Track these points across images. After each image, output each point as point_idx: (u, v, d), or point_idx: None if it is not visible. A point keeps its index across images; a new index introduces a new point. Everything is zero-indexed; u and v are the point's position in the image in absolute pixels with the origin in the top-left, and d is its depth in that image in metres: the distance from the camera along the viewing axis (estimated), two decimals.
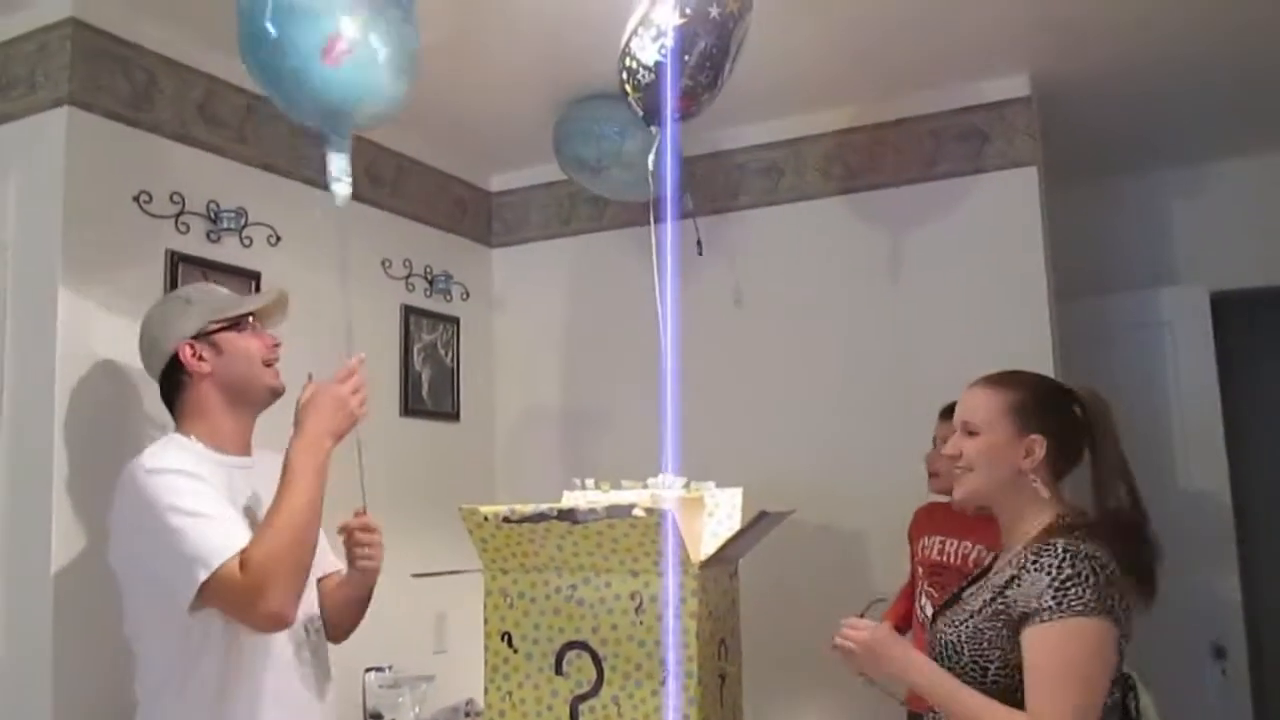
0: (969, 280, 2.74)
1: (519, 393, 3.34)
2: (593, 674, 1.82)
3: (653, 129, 2.42)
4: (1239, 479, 3.29)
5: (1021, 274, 2.70)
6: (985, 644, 1.60)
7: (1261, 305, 3.75)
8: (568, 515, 1.76)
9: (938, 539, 2.33)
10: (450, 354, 3.16)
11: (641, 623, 1.80)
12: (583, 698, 1.83)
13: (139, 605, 1.68)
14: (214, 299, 1.84)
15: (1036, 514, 1.70)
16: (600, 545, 1.78)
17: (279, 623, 1.62)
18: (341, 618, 1.92)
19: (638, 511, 1.68)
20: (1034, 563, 1.60)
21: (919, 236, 2.82)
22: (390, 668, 2.44)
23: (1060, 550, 1.59)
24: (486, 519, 1.79)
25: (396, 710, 2.40)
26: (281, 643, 1.72)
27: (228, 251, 2.39)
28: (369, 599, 1.93)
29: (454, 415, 3.17)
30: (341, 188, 1.85)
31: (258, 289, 2.42)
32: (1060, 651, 1.53)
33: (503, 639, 1.90)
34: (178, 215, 2.28)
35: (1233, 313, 3.49)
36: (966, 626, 1.64)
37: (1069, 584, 1.55)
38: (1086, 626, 1.53)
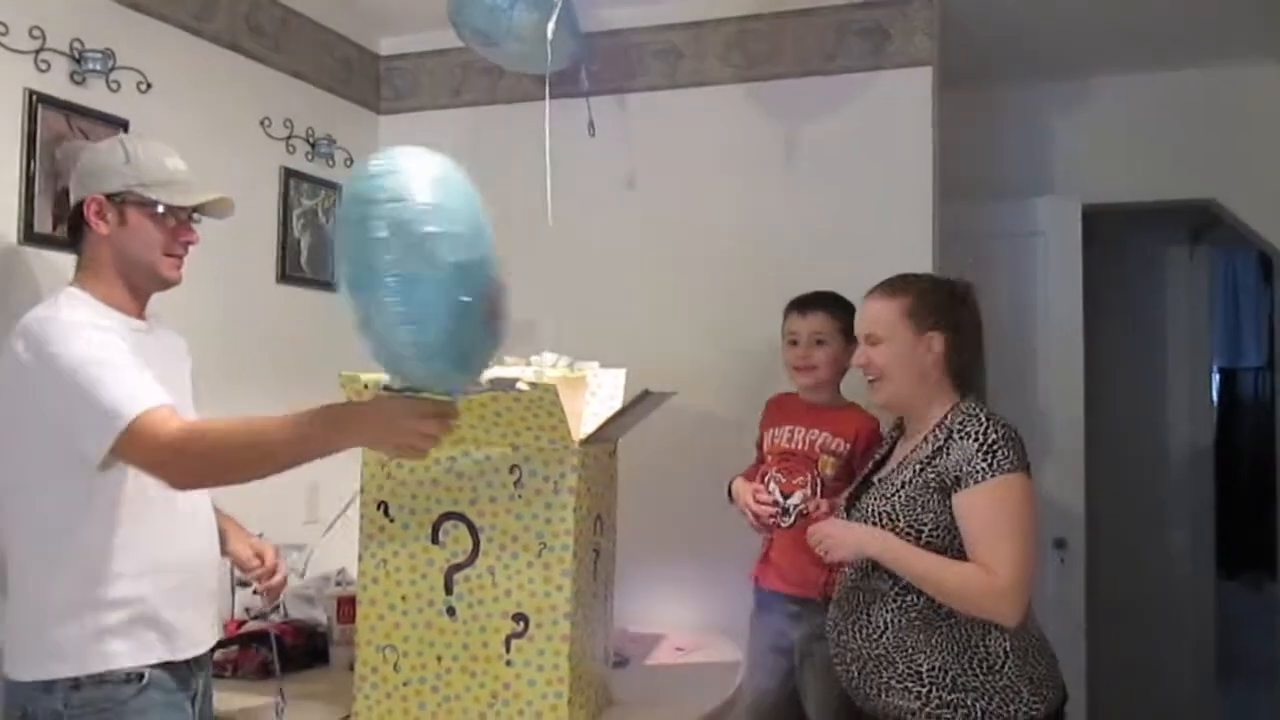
0: (859, 176, 2.77)
1: None
2: (469, 544, 1.84)
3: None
4: (1092, 385, 3.47)
5: (909, 174, 2.74)
6: (919, 509, 1.77)
7: (1129, 219, 3.92)
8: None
9: (787, 428, 2.41)
10: (331, 221, 3.06)
11: (520, 496, 1.82)
12: (458, 567, 1.85)
13: (27, 457, 1.61)
14: (153, 170, 1.73)
15: (941, 402, 1.88)
16: (482, 418, 1.78)
17: (174, 489, 1.60)
18: None
19: (521, 385, 1.68)
20: (960, 432, 1.79)
21: (813, 129, 2.83)
22: (261, 536, 2.40)
23: (984, 418, 1.79)
24: (366, 387, 1.77)
25: None
26: (177, 503, 1.70)
27: (94, 95, 2.23)
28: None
29: (332, 284, 3.07)
30: None
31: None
32: (997, 506, 1.72)
33: (379, 508, 1.90)
34: (37, 52, 2.11)
35: (1102, 225, 3.62)
36: (899, 496, 1.80)
37: (995, 447, 1.75)
38: (1016, 481, 1.74)
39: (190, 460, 1.55)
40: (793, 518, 2.29)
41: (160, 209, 1.73)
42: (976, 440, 1.75)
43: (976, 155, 3.42)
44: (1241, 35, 3.12)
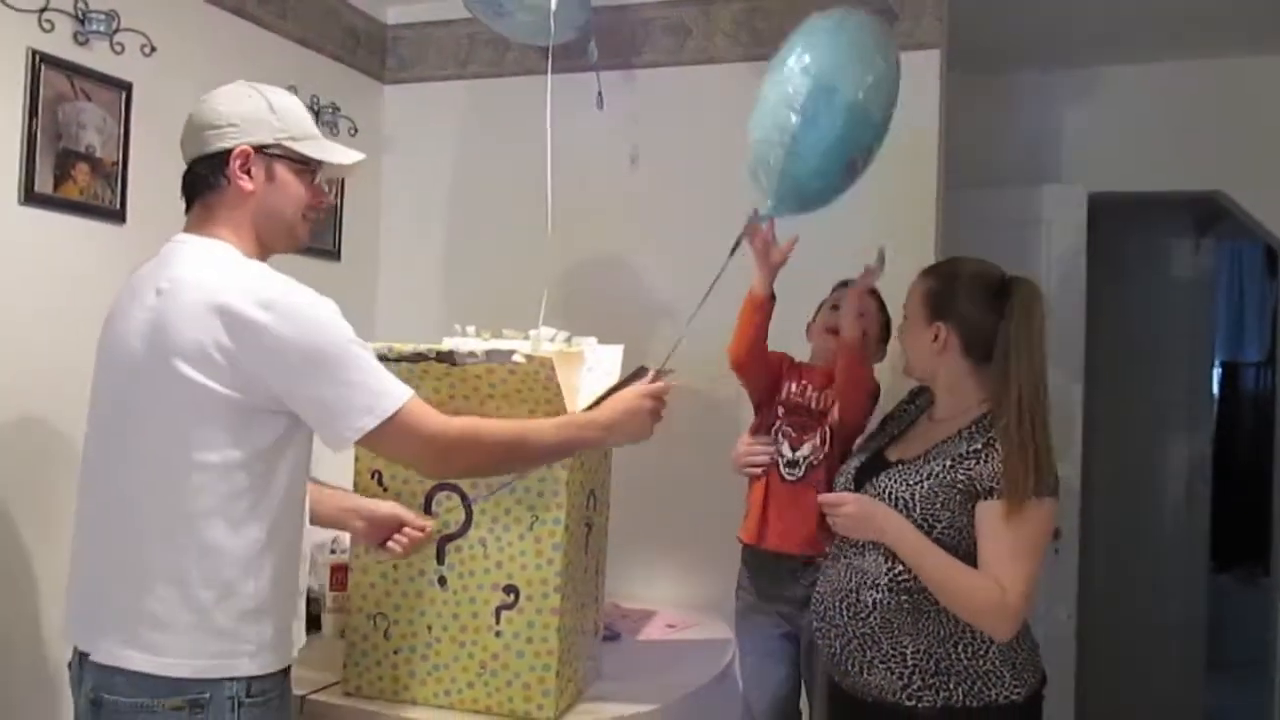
0: None
1: (404, 235, 3.26)
2: (461, 516, 1.85)
3: None
4: (1091, 375, 3.47)
5: (915, 158, 2.72)
6: (938, 505, 1.76)
7: (1134, 210, 3.90)
8: (446, 357, 1.76)
9: (805, 384, 2.37)
10: (334, 190, 3.05)
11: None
12: (450, 538, 1.86)
13: (256, 434, 1.47)
14: (298, 121, 1.59)
15: (974, 396, 1.88)
16: (477, 389, 1.78)
17: (429, 477, 1.82)
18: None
19: (517, 357, 1.69)
20: (1000, 443, 1.77)
21: None
22: None
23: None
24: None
25: None
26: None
27: (97, 57, 2.23)
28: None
29: (335, 254, 3.08)
30: None
31: (128, 101, 2.28)
32: (1023, 527, 1.71)
33: (373, 477, 1.90)
34: (41, 11, 2.10)
35: (1107, 214, 3.61)
36: (921, 487, 1.78)
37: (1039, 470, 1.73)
38: (1041, 505, 1.73)
39: (463, 455, 1.59)
40: (802, 470, 2.28)
41: (311, 166, 1.60)
42: None
43: (982, 141, 3.40)
44: (1251, 27, 3.10)
